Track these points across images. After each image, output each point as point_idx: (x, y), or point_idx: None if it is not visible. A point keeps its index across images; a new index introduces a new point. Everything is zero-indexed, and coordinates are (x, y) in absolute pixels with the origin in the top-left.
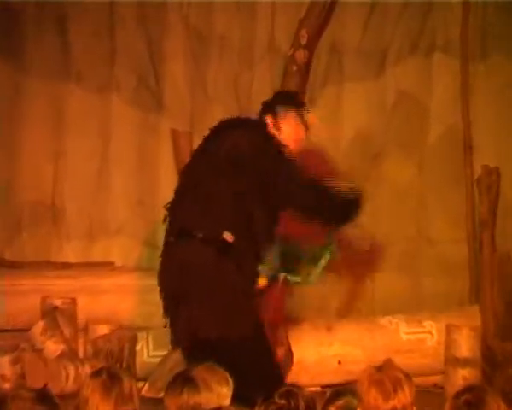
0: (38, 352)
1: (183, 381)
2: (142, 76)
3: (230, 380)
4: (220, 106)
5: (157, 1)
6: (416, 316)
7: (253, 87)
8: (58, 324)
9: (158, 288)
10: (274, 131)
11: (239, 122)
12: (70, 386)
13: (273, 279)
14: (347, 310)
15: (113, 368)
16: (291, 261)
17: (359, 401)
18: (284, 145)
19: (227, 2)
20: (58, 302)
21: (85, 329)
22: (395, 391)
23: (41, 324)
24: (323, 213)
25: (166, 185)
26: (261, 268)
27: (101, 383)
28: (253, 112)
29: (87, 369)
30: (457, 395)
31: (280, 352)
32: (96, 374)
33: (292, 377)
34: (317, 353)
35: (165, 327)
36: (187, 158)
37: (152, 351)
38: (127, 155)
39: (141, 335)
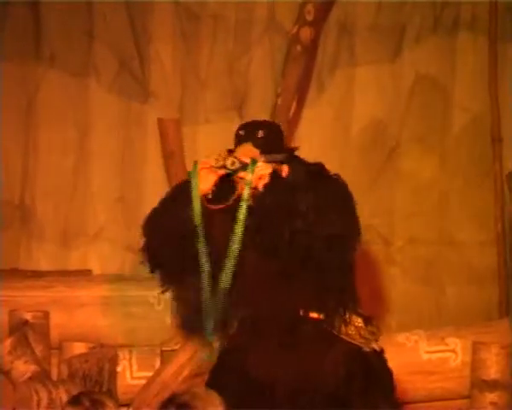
0: (6, 373)
1: (174, 408)
2: (124, 59)
3: (223, 404)
4: (214, 93)
5: None
6: (437, 332)
7: (251, 71)
8: (28, 341)
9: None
10: None
11: None
12: None
13: None
14: None
15: (94, 394)
16: None
17: None
18: None
19: None
20: (28, 316)
21: (59, 347)
22: None
23: (9, 341)
24: None
25: (152, 182)
26: None
27: None
28: (251, 99)
29: (61, 393)
30: None
31: None
32: (74, 401)
33: None
34: None
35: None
36: (176, 150)
37: (136, 372)
38: (108, 148)
39: (123, 354)
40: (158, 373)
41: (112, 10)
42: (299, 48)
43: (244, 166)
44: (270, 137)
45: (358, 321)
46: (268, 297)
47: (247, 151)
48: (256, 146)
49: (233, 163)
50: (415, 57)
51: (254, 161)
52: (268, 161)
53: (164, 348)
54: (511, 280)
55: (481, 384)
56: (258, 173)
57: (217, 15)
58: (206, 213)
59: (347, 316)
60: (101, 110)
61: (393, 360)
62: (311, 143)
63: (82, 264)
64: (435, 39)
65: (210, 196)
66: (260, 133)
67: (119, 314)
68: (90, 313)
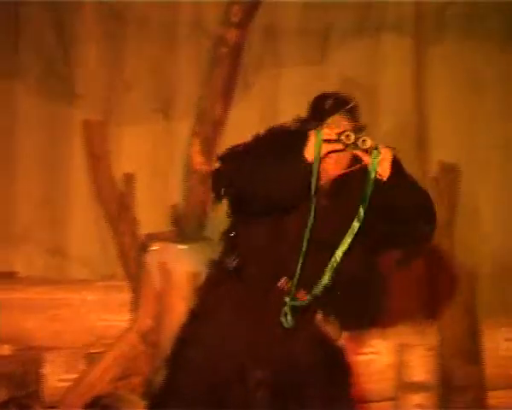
0: None
1: (99, 409)
2: (49, 61)
3: (145, 407)
4: (139, 94)
5: None
6: (362, 334)
7: (177, 72)
8: None
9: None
10: None
11: None
12: None
13: None
14: None
15: (22, 398)
16: None
17: None
18: None
19: None
20: None
21: None
22: None
23: None
24: None
25: (78, 184)
26: None
27: None
28: (177, 100)
29: None
30: None
31: None
32: (2, 407)
33: None
34: None
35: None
36: (101, 152)
37: (62, 374)
38: (33, 150)
39: (49, 356)
40: (83, 376)
41: (37, 12)
42: (224, 49)
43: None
44: (356, 108)
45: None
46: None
47: (338, 123)
48: (347, 118)
49: (362, 141)
50: (340, 59)
51: (377, 146)
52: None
53: (89, 351)
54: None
55: (406, 386)
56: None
57: (142, 17)
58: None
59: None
60: (26, 112)
61: None
62: None
63: (7, 266)
64: (360, 41)
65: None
66: (351, 103)
67: (44, 317)
68: (16, 315)
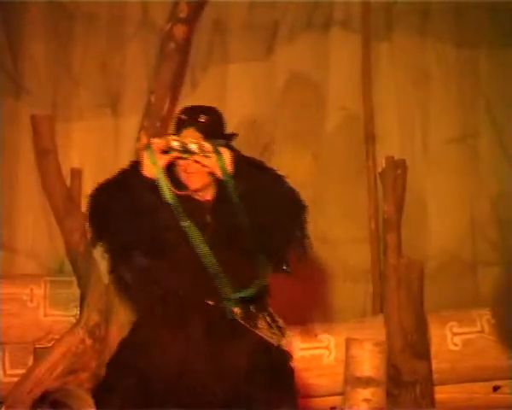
0: None
1: (47, 405)
2: None
3: (93, 403)
4: (87, 89)
5: None
6: (311, 329)
7: (125, 68)
8: None
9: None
10: None
11: None
12: None
13: None
14: None
15: None
16: None
17: None
18: None
19: None
20: None
21: None
22: None
23: None
24: None
25: (26, 180)
26: None
27: None
28: (125, 96)
29: None
30: None
31: None
32: None
33: None
34: None
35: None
36: (49, 147)
37: (9, 369)
38: None
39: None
40: (31, 371)
41: None
42: (172, 45)
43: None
44: (211, 122)
45: (268, 316)
46: (193, 280)
47: (191, 136)
48: (199, 131)
49: (192, 143)
50: (288, 55)
51: (218, 147)
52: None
53: (37, 346)
54: (384, 278)
55: (354, 381)
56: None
57: (90, 13)
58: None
59: (260, 310)
60: None
61: None
62: None
63: None
64: (308, 37)
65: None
66: (203, 118)
67: (4, 314)
68: None
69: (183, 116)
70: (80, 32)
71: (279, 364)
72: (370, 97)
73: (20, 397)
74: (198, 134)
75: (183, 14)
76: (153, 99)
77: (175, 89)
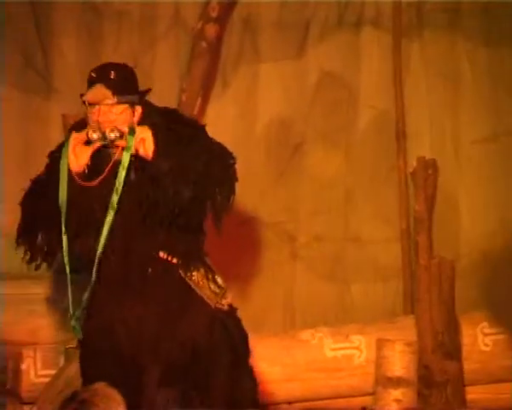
0: None
1: (76, 405)
2: (28, 55)
3: (123, 401)
4: None
5: None
6: (342, 329)
7: (156, 67)
8: None
9: (46, 297)
10: None
11: None
12: None
13: None
14: None
15: None
16: None
17: None
18: None
19: None
20: None
21: None
22: None
23: None
24: None
25: None
26: None
27: None
28: (155, 95)
29: None
30: None
31: None
32: None
33: None
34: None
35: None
36: None
37: (40, 370)
38: (11, 144)
39: (27, 352)
40: (62, 371)
41: (15, 5)
42: (203, 44)
43: (121, 135)
44: (122, 78)
45: (207, 272)
46: (124, 243)
47: (99, 92)
48: (108, 87)
49: (111, 131)
50: (319, 54)
51: (133, 128)
52: (121, 102)
53: (67, 346)
54: (416, 278)
55: (385, 381)
56: (138, 138)
57: (121, 11)
58: (80, 189)
59: (198, 264)
60: (4, 106)
61: (298, 357)
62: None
63: None
64: (339, 36)
65: (85, 172)
66: (112, 74)
67: (22, 312)
68: None
69: (93, 74)
70: (111, 31)
71: (233, 334)
72: (401, 96)
73: (51, 397)
74: (107, 90)
75: (214, 14)
76: (184, 98)
77: (206, 88)
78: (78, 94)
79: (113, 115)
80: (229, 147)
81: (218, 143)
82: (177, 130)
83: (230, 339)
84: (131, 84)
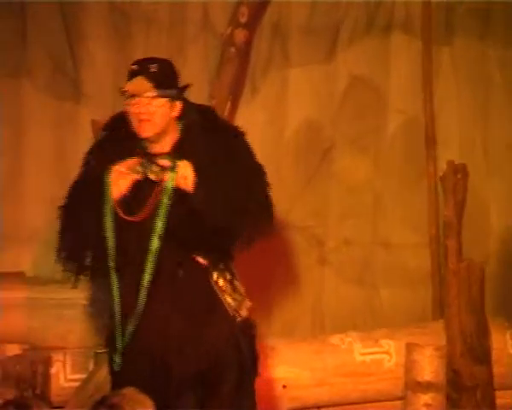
0: None
1: (105, 409)
2: (57, 59)
3: (153, 406)
4: None
5: None
6: (372, 334)
7: (185, 72)
8: None
9: (77, 302)
10: None
11: None
12: None
13: None
14: None
15: (23, 399)
16: None
17: None
18: None
19: None
20: None
21: None
22: None
23: None
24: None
25: None
26: None
27: None
28: None
29: None
30: None
31: None
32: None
33: None
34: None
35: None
36: None
37: (69, 375)
38: (41, 149)
39: (56, 356)
40: (92, 375)
41: (45, 10)
42: (232, 49)
43: (163, 168)
44: (163, 72)
45: (232, 278)
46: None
47: (140, 84)
48: (149, 80)
49: (152, 172)
50: (348, 58)
51: (174, 165)
52: (160, 96)
53: (97, 351)
54: (445, 283)
55: (415, 386)
56: (180, 175)
57: (150, 16)
58: (123, 222)
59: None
60: (34, 111)
61: (327, 362)
62: None
63: (15, 266)
64: (369, 40)
65: (127, 202)
66: (153, 67)
67: (52, 316)
68: (24, 315)
69: (135, 66)
70: (140, 35)
71: (251, 342)
72: (431, 101)
73: (81, 402)
74: (148, 83)
75: (243, 19)
76: (213, 103)
77: (235, 93)
78: (108, 99)
79: (152, 108)
80: (259, 152)
81: (253, 157)
82: (216, 143)
83: (240, 357)
84: (172, 78)
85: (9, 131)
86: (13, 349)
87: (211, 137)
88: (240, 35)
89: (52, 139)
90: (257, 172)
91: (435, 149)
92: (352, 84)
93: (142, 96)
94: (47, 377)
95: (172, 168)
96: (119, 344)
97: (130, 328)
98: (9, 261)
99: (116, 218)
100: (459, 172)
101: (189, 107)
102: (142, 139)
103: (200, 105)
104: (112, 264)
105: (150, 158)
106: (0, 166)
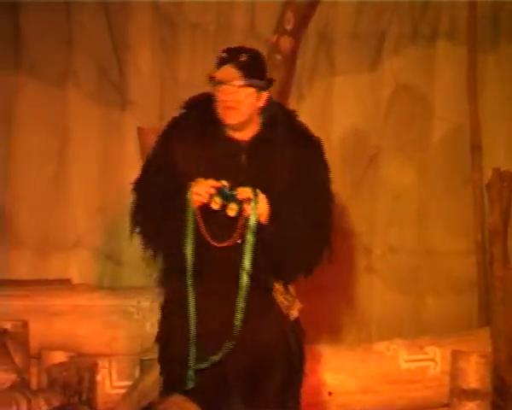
0: None
1: None
2: (103, 67)
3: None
4: None
5: None
6: (417, 341)
7: None
8: (7, 350)
9: (123, 309)
10: None
11: None
12: None
13: None
14: None
15: (69, 406)
16: None
17: None
18: None
19: None
20: (7, 325)
21: (39, 356)
22: None
23: None
24: None
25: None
26: None
27: None
28: None
29: (41, 402)
30: None
31: None
32: None
33: None
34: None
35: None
36: None
37: (116, 381)
38: (87, 156)
39: (102, 363)
40: (138, 382)
41: (90, 18)
42: (278, 57)
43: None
44: (252, 62)
45: (281, 284)
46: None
47: (228, 72)
48: (238, 68)
49: (231, 210)
50: (394, 66)
51: (256, 195)
52: (248, 85)
53: (143, 358)
54: (490, 290)
55: (460, 393)
56: (259, 209)
57: (195, 23)
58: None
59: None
60: (80, 118)
61: (372, 369)
62: None
63: (61, 273)
64: (414, 48)
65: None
66: (243, 57)
67: (98, 323)
68: (70, 322)
69: (224, 54)
70: (185, 43)
71: (301, 341)
72: (476, 109)
73: (127, 409)
74: (237, 71)
75: (289, 26)
76: None
77: (281, 101)
78: (154, 105)
79: (239, 96)
80: None
81: (328, 178)
82: (295, 149)
83: (290, 355)
84: (260, 69)
85: (55, 139)
86: (59, 356)
87: (291, 138)
88: (285, 42)
89: (98, 146)
90: (328, 201)
91: (480, 156)
92: (397, 92)
93: (230, 84)
94: (93, 384)
95: (255, 202)
96: (193, 362)
97: (228, 345)
98: (56, 269)
99: (196, 233)
100: (505, 179)
101: (272, 101)
102: (225, 125)
103: (281, 103)
104: (190, 282)
105: (229, 191)
106: (46, 174)
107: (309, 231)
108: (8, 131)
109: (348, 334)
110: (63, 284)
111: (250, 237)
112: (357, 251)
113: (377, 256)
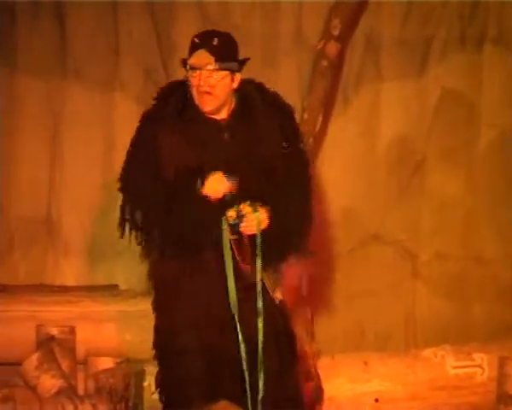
0: (32, 388)
1: None
2: (149, 71)
3: None
4: None
5: None
6: (464, 347)
7: (278, 85)
8: (55, 356)
9: None
10: None
11: None
12: None
13: None
14: None
15: None
16: None
17: None
18: None
19: None
20: (55, 331)
21: (86, 362)
22: None
23: (35, 356)
24: None
25: None
26: None
27: None
28: None
29: (88, 408)
30: None
31: (308, 387)
32: None
33: None
34: (351, 389)
35: None
36: None
37: None
38: None
39: (149, 369)
40: None
41: (136, 22)
42: (325, 63)
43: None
44: (225, 45)
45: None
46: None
47: (202, 57)
48: (211, 53)
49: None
50: (441, 72)
51: (256, 210)
52: (222, 68)
53: None
54: None
55: (507, 399)
56: (261, 218)
57: (242, 28)
58: None
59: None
60: (127, 123)
61: (420, 376)
62: (336, 158)
63: (109, 279)
64: (461, 54)
65: None
66: (216, 41)
67: (145, 329)
68: (117, 327)
69: (197, 39)
70: None
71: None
72: None
73: None
74: (210, 56)
75: (335, 32)
76: (305, 116)
77: (327, 106)
78: None
79: (213, 80)
80: (351, 164)
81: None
82: (270, 119)
83: (279, 339)
84: (233, 51)
85: (102, 144)
86: (106, 362)
87: (267, 110)
88: (332, 48)
89: None
90: (307, 167)
91: None
92: (443, 98)
93: (204, 69)
94: (140, 389)
95: (256, 212)
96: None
97: None
98: (103, 275)
99: None
100: None
101: (245, 81)
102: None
103: (250, 79)
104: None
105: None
106: (93, 180)
107: (296, 206)
108: (55, 138)
109: (395, 340)
110: (110, 289)
111: (259, 254)
112: (403, 258)
113: (423, 262)
